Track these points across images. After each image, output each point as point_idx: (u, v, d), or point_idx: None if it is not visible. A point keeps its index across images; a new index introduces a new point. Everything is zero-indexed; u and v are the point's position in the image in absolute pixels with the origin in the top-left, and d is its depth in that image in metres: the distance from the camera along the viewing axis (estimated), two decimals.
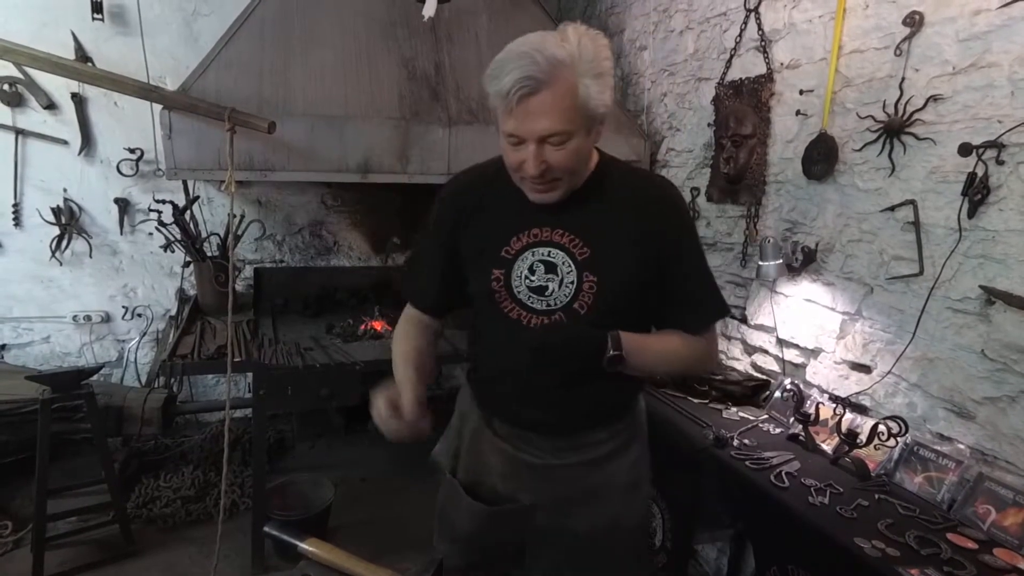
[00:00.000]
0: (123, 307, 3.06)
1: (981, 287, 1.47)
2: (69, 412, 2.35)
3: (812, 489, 1.51)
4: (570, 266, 1.07)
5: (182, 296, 3.05)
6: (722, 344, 2.41)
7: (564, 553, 1.19)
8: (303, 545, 1.13)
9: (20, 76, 2.68)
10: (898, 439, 1.59)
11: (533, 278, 1.09)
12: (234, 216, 2.29)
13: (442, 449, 1.35)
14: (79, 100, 2.78)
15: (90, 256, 2.95)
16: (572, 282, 1.07)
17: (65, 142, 2.81)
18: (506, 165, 1.05)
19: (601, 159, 1.12)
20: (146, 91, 2.10)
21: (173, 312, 3.02)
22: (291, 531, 1.17)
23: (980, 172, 1.45)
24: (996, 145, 1.41)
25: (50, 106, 2.76)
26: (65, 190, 2.85)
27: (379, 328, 2.64)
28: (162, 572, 2.26)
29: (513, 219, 1.10)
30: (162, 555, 2.35)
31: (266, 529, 1.21)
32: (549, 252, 1.08)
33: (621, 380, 1.12)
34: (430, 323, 1.28)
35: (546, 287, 1.09)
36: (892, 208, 1.69)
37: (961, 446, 1.54)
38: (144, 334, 3.11)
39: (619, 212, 1.09)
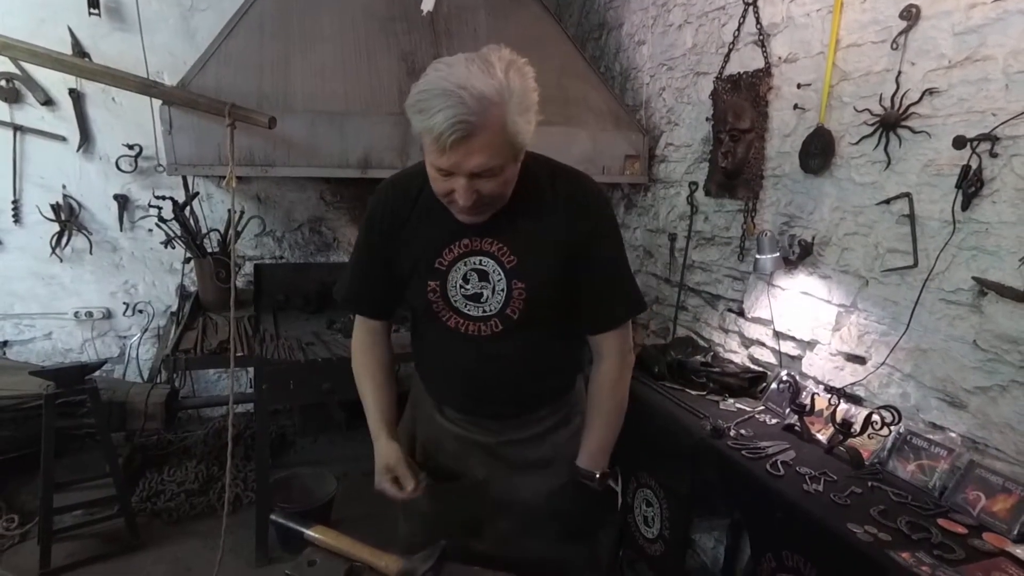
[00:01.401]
0: (124, 303, 3.07)
1: (974, 278, 1.49)
2: (73, 407, 2.36)
3: (807, 477, 1.54)
4: (500, 274, 1.12)
5: (183, 292, 3.07)
6: (719, 337, 2.44)
7: (515, 521, 1.27)
8: (309, 532, 1.15)
9: (17, 72, 2.68)
10: (891, 428, 1.62)
11: (468, 287, 1.14)
12: (234, 212, 2.31)
13: (400, 434, 1.40)
14: (77, 96, 2.78)
15: (90, 253, 2.96)
16: (503, 289, 1.13)
17: (64, 138, 2.81)
18: (434, 189, 1.05)
19: (525, 159, 1.11)
20: (146, 87, 2.11)
21: (174, 308, 3.03)
22: (297, 519, 1.19)
23: (974, 165, 1.47)
24: (990, 138, 1.43)
25: (48, 102, 2.76)
26: (64, 187, 2.86)
27: None
28: (168, 564, 2.29)
29: (444, 230, 1.12)
30: (168, 548, 2.38)
31: (272, 517, 1.23)
32: (480, 261, 1.13)
33: (558, 368, 1.28)
34: (377, 330, 1.30)
35: (481, 294, 1.14)
36: (888, 201, 1.71)
37: (953, 434, 1.56)
38: (145, 330, 3.13)
39: (542, 217, 1.12)
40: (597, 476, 1.23)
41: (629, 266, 1.25)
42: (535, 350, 1.20)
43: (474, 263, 1.13)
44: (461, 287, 1.14)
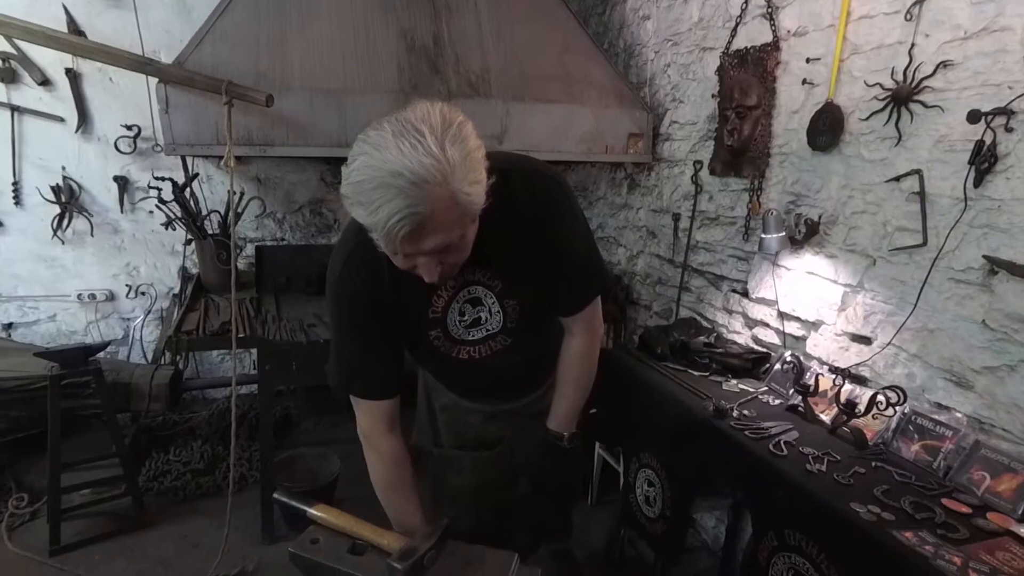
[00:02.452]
0: (127, 285, 3.08)
1: (985, 257, 1.47)
2: (78, 388, 2.38)
3: (810, 457, 1.53)
4: (492, 298, 1.14)
5: (184, 274, 3.07)
6: (723, 318, 2.42)
7: (541, 467, 1.37)
8: (312, 510, 1.16)
9: (13, 52, 2.65)
10: (896, 409, 1.61)
11: (465, 318, 1.16)
12: (234, 193, 2.29)
13: (418, 434, 1.51)
14: (74, 76, 2.75)
15: (91, 235, 2.95)
16: (498, 310, 1.15)
17: (62, 119, 2.79)
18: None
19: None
20: (141, 64, 2.08)
21: (176, 290, 3.04)
22: (300, 497, 1.20)
23: (988, 140, 1.44)
24: (1006, 112, 1.39)
25: (45, 82, 2.73)
26: (64, 168, 2.84)
27: None
28: (175, 542, 2.32)
29: (425, 285, 1.01)
30: (175, 526, 2.41)
31: (275, 496, 1.24)
32: (470, 290, 1.13)
33: (557, 348, 1.33)
34: (394, 412, 1.19)
35: (479, 318, 1.16)
36: (897, 178, 1.67)
37: (959, 415, 1.55)
38: (148, 312, 3.14)
39: (509, 229, 1.06)
40: (566, 436, 1.33)
41: (594, 243, 1.23)
42: (537, 345, 1.28)
43: (464, 295, 1.14)
44: (459, 322, 1.16)
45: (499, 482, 1.41)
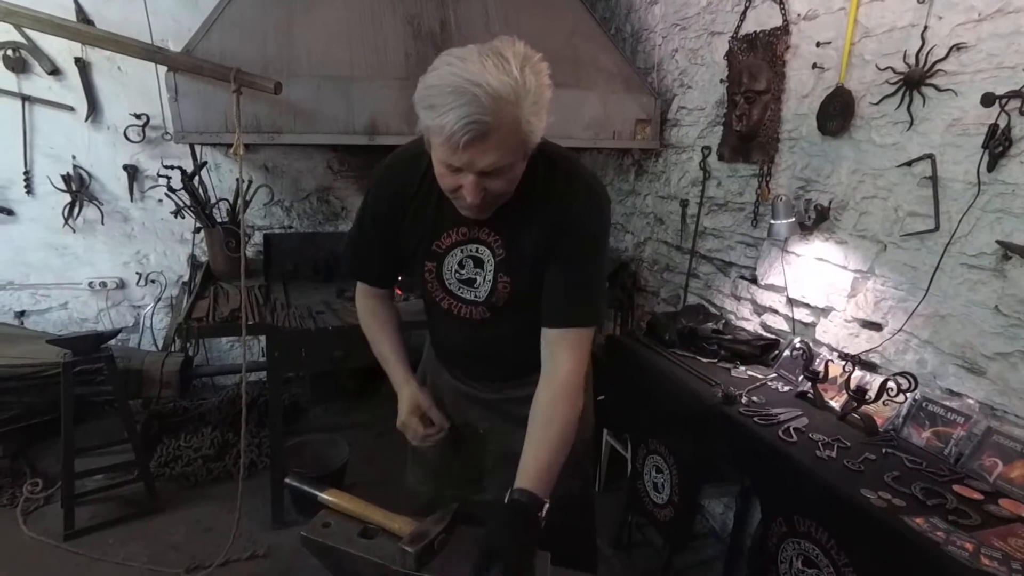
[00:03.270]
0: (137, 273, 3.10)
1: (998, 242, 1.45)
2: (90, 375, 2.41)
3: (820, 443, 1.53)
4: (491, 264, 1.14)
5: (194, 262, 3.08)
6: (731, 304, 2.41)
7: (513, 472, 1.19)
8: (323, 495, 1.17)
9: (23, 41, 2.66)
10: (907, 395, 1.60)
11: (463, 272, 1.16)
12: (242, 181, 2.29)
13: None
14: (83, 65, 2.76)
15: (102, 223, 2.97)
16: (490, 280, 1.15)
17: (71, 108, 2.80)
18: (440, 183, 1.02)
19: (536, 150, 1.04)
20: (150, 52, 2.08)
21: (186, 278, 3.06)
22: (311, 482, 1.21)
23: (1002, 123, 1.43)
24: (1020, 95, 1.38)
25: (54, 72, 2.74)
26: (74, 157, 2.86)
27: None
28: (187, 526, 2.35)
29: (445, 214, 1.11)
30: (186, 510, 2.44)
31: (287, 480, 1.25)
32: (477, 248, 1.14)
33: (525, 358, 1.25)
34: (381, 295, 1.33)
35: (474, 279, 1.16)
36: (909, 163, 1.66)
37: (970, 401, 1.55)
38: (158, 300, 3.16)
39: (534, 212, 1.09)
40: (544, 506, 1.01)
41: (603, 278, 1.20)
42: (523, 329, 1.18)
43: (471, 250, 1.14)
44: (456, 272, 1.16)
45: (460, 472, 1.35)
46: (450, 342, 1.31)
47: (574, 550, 1.25)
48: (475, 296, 1.17)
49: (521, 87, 0.87)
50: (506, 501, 1.01)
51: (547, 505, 1.01)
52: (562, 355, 1.12)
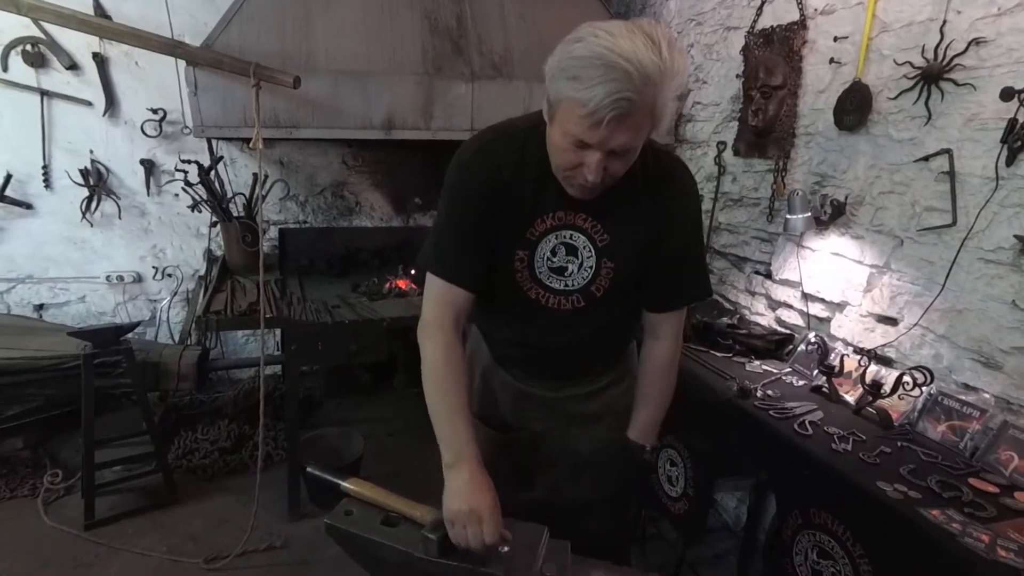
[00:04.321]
0: (153, 267, 3.12)
1: (1016, 236, 1.46)
2: (109, 368, 2.44)
3: (835, 437, 1.54)
4: (590, 251, 1.10)
5: (210, 256, 3.11)
6: (746, 300, 2.42)
7: (566, 471, 1.30)
8: (345, 484, 1.19)
9: (42, 36, 2.68)
10: (923, 389, 1.60)
11: (555, 259, 1.12)
12: (260, 174, 2.32)
13: None
14: (101, 60, 2.78)
15: (119, 217, 3.00)
16: (591, 267, 1.11)
17: (89, 103, 2.83)
18: (554, 161, 1.00)
19: None
20: (171, 47, 2.10)
21: (202, 272, 3.09)
22: (333, 472, 1.22)
23: (1021, 118, 1.43)
24: None
25: (72, 67, 2.77)
26: (91, 151, 2.88)
27: (403, 287, 2.68)
28: (205, 518, 2.38)
29: (539, 199, 1.08)
30: (204, 502, 2.47)
31: (308, 470, 1.26)
32: (571, 235, 1.10)
33: (621, 338, 1.30)
34: (464, 309, 1.14)
35: (566, 268, 1.12)
36: (926, 158, 1.66)
37: (986, 395, 1.55)
38: (175, 294, 3.19)
39: (637, 199, 1.09)
40: (648, 448, 1.26)
41: (705, 253, 1.26)
42: (606, 324, 1.20)
43: (564, 237, 1.10)
44: (548, 260, 1.11)
45: (512, 473, 1.26)
46: (519, 337, 1.22)
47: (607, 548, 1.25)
48: (567, 285, 1.13)
49: (669, 69, 0.86)
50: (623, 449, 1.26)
51: (649, 446, 1.26)
52: (664, 332, 1.22)
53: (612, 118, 0.86)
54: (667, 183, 1.11)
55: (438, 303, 1.13)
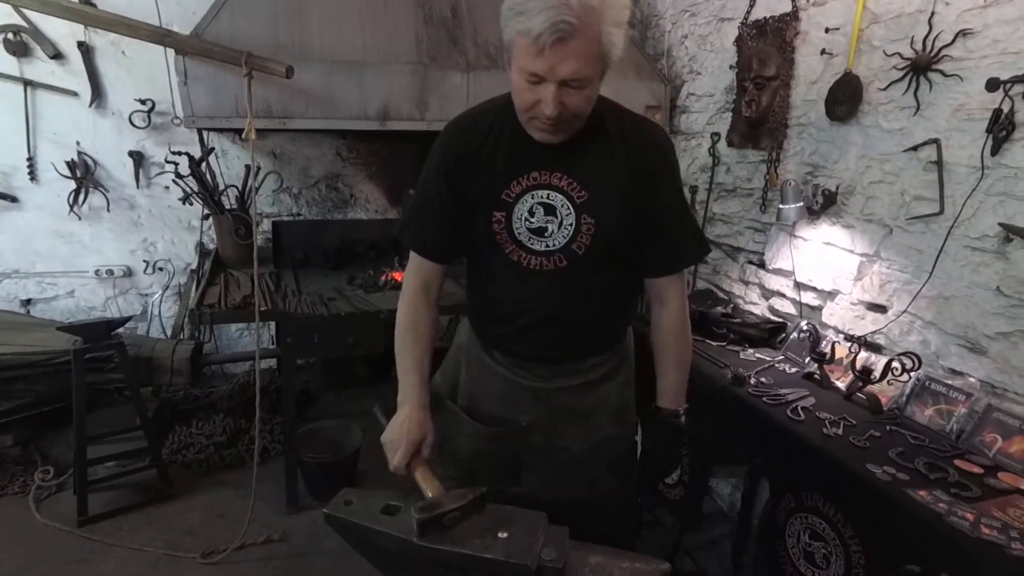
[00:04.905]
0: (144, 261, 3.09)
1: (1000, 224, 1.49)
2: (101, 363, 2.41)
3: (827, 422, 1.57)
4: (569, 208, 1.12)
5: (202, 250, 3.08)
6: (739, 289, 2.45)
7: (556, 468, 1.28)
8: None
9: (24, 24, 2.63)
10: (911, 374, 1.64)
11: (533, 220, 1.14)
12: (253, 165, 2.29)
13: (441, 379, 1.42)
14: (86, 49, 2.73)
15: (108, 210, 2.95)
16: (571, 224, 1.13)
17: (75, 93, 2.78)
18: (516, 103, 1.05)
19: (597, 103, 1.13)
20: (160, 36, 2.07)
21: (194, 266, 3.06)
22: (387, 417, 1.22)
23: (1006, 108, 1.45)
24: None
25: (57, 56, 2.71)
26: (78, 143, 2.83)
27: (399, 279, 2.67)
28: (201, 512, 2.37)
29: (513, 163, 1.13)
30: (200, 497, 2.46)
31: (374, 410, 1.28)
32: (548, 195, 1.12)
33: (613, 314, 1.28)
34: (433, 279, 1.25)
35: (545, 228, 1.14)
36: (915, 148, 1.69)
37: (972, 380, 1.59)
38: (166, 288, 3.15)
39: (613, 155, 1.13)
40: (681, 411, 1.28)
41: (692, 212, 1.26)
42: (592, 291, 1.20)
43: (541, 196, 1.13)
44: (526, 220, 1.14)
45: (497, 466, 1.29)
46: (505, 305, 1.23)
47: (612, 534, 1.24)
48: (548, 245, 1.15)
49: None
50: (655, 419, 1.28)
51: (682, 409, 1.28)
52: (671, 295, 1.24)
53: (554, 41, 0.92)
54: (641, 137, 1.15)
55: (409, 271, 1.26)
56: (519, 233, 1.15)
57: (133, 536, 2.21)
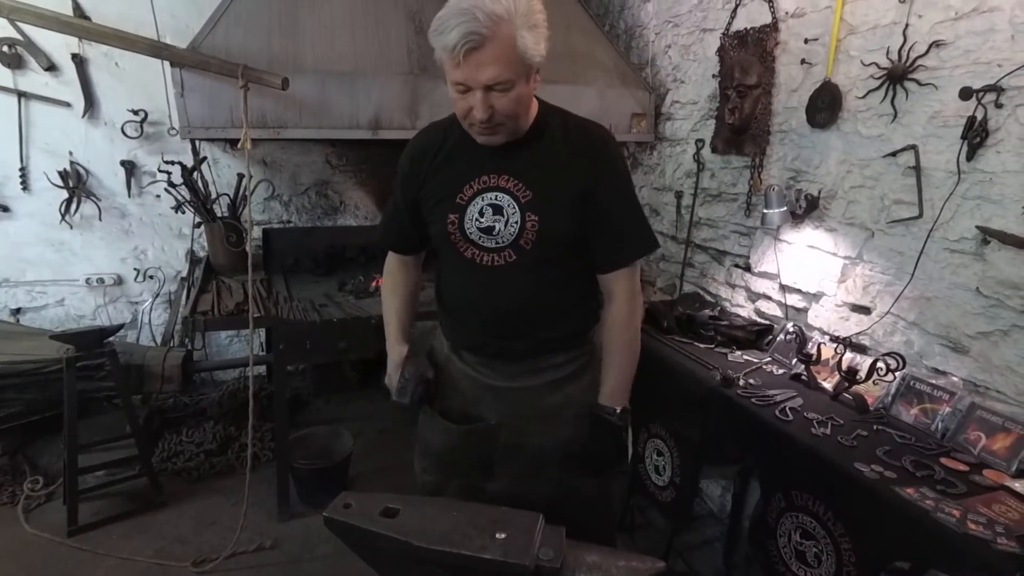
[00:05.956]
0: (135, 269, 3.08)
1: (978, 227, 1.53)
2: (92, 371, 2.41)
3: (814, 422, 1.59)
4: (514, 207, 1.21)
5: (193, 257, 3.08)
6: (726, 292, 2.49)
7: (526, 465, 1.34)
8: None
9: (19, 37, 2.64)
10: (896, 374, 1.67)
11: (483, 220, 1.22)
12: (247, 174, 2.31)
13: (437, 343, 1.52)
14: (79, 61, 2.75)
15: (99, 219, 2.96)
16: (517, 222, 1.21)
17: (68, 104, 2.79)
18: (456, 113, 1.15)
19: (541, 107, 1.25)
20: (157, 49, 2.09)
21: (184, 273, 3.06)
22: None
23: (979, 116, 1.49)
24: (995, 89, 1.45)
25: (51, 67, 2.73)
26: (71, 153, 2.84)
27: None
28: (193, 519, 2.36)
29: (465, 169, 1.23)
30: (191, 504, 2.45)
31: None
32: (496, 196, 1.22)
33: (570, 309, 1.32)
34: (408, 258, 1.45)
35: (493, 227, 1.22)
36: (894, 153, 1.73)
37: (955, 379, 1.62)
38: (157, 296, 3.15)
39: (556, 155, 1.21)
40: (617, 411, 1.31)
41: (641, 208, 1.32)
42: (545, 285, 1.27)
43: (490, 198, 1.22)
44: (476, 220, 1.23)
45: (469, 462, 1.36)
46: (467, 301, 1.32)
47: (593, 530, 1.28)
48: (497, 243, 1.23)
49: (512, 7, 1.04)
50: (593, 416, 1.32)
51: (619, 409, 1.31)
52: (618, 291, 1.30)
53: (467, 51, 1.02)
54: (585, 137, 1.24)
55: (389, 258, 1.48)
56: (471, 233, 1.24)
57: (124, 545, 2.19)
